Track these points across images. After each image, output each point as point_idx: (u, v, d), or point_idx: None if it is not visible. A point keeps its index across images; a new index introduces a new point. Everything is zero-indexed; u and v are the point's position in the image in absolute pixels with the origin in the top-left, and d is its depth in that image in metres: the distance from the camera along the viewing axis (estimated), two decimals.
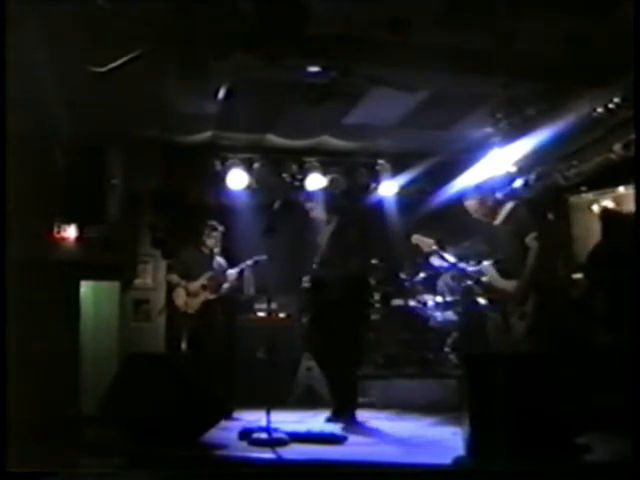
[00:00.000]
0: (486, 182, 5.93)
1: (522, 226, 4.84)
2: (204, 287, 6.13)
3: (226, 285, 6.18)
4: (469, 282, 5.94)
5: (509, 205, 5.00)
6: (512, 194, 6.30)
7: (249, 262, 6.14)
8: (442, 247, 5.40)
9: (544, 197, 7.07)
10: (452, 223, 6.53)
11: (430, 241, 5.33)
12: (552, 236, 5.71)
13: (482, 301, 5.34)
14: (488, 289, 5.07)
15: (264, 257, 6.07)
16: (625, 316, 4.58)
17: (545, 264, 4.81)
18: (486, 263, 5.05)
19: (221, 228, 6.38)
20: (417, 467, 3.65)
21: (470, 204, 5.11)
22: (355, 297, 5.33)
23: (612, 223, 5.51)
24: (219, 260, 6.36)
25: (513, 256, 4.84)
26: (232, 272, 6.18)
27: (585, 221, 6.75)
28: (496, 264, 4.98)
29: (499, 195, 5.37)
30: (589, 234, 6.50)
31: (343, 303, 5.18)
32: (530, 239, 4.75)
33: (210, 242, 6.30)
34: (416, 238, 5.41)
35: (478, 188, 5.32)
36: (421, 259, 7.61)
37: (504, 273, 4.91)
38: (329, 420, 5.11)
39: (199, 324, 6.05)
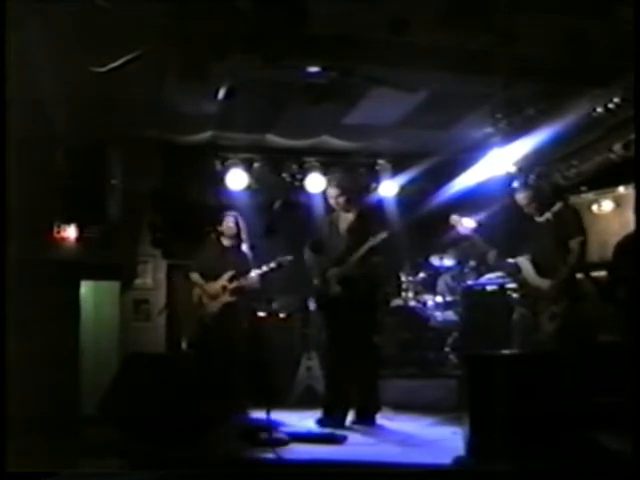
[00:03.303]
0: (537, 176, 5.94)
1: (568, 228, 4.87)
2: (224, 288, 5.82)
3: (247, 287, 5.82)
4: (503, 276, 5.94)
5: (558, 205, 5.02)
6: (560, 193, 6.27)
7: (272, 264, 5.77)
8: (480, 232, 5.34)
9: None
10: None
11: (470, 221, 5.29)
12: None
13: (514, 296, 5.31)
14: (523, 284, 5.06)
15: (288, 258, 5.73)
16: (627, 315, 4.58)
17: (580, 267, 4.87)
18: (522, 257, 5.04)
19: (238, 218, 6.02)
20: (417, 467, 3.65)
21: (521, 197, 5.11)
22: (373, 295, 5.28)
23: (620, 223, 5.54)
24: (245, 254, 5.97)
25: (552, 255, 4.85)
26: (253, 275, 5.80)
27: (586, 221, 6.73)
28: (533, 260, 4.98)
29: (551, 192, 5.39)
30: (589, 234, 6.49)
31: (364, 301, 5.13)
32: (574, 242, 4.79)
33: (227, 232, 5.95)
34: (455, 218, 5.34)
35: (531, 180, 5.34)
36: (421, 259, 7.67)
37: (539, 270, 4.91)
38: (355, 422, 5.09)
39: (212, 326, 5.83)
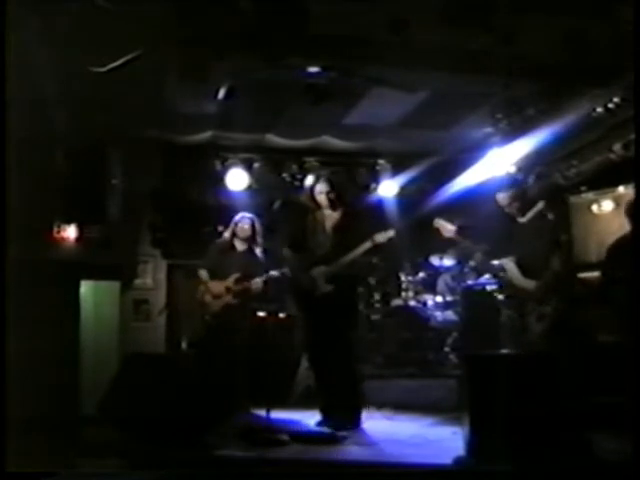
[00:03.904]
0: (520, 176, 5.94)
1: (552, 227, 4.86)
2: (227, 290, 5.83)
3: (251, 289, 5.83)
4: (490, 277, 5.91)
5: (540, 204, 5.01)
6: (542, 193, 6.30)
7: (276, 273, 5.74)
8: (464, 235, 5.33)
9: (544, 197, 7.08)
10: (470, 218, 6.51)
11: (452, 227, 5.26)
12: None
13: (500, 297, 5.30)
14: (508, 285, 5.06)
15: (285, 270, 5.65)
16: (626, 315, 4.58)
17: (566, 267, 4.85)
18: (507, 259, 5.03)
19: (255, 221, 5.99)
20: (417, 467, 3.65)
21: (502, 197, 5.09)
22: (352, 295, 5.16)
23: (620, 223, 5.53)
24: (257, 256, 5.96)
25: (536, 255, 4.84)
26: (258, 280, 5.81)
27: (586, 221, 6.75)
28: (518, 261, 4.97)
29: (532, 192, 5.38)
30: (590, 234, 6.50)
31: (354, 300, 5.07)
32: (558, 242, 4.78)
33: (241, 234, 5.93)
34: (438, 222, 5.29)
35: (513, 181, 5.33)
36: (421, 259, 7.67)
37: (525, 271, 4.90)
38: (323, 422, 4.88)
39: (213, 326, 5.85)
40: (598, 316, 5.29)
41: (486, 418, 3.52)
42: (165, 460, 3.68)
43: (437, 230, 5.33)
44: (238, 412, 5.33)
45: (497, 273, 5.19)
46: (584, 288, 5.87)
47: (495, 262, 5.17)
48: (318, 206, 5.14)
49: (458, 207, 6.91)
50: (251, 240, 5.97)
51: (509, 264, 4.99)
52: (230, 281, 5.84)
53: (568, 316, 4.87)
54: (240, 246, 6.00)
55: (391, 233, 4.88)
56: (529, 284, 4.83)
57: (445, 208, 6.99)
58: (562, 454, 3.43)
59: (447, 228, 5.25)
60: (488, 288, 6.68)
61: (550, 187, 7.16)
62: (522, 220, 5.01)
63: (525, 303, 4.85)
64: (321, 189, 5.10)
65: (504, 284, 5.12)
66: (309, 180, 5.25)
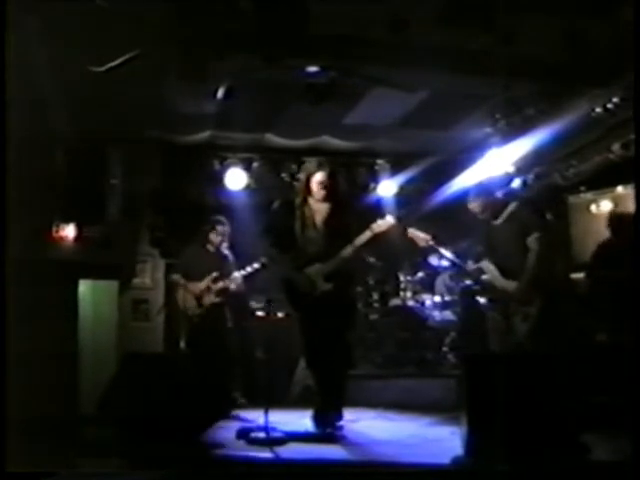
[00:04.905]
0: (488, 181, 5.97)
1: (524, 226, 4.89)
2: (207, 289, 5.95)
3: (231, 287, 5.96)
4: (468, 280, 5.94)
5: (512, 205, 5.05)
6: (512, 194, 6.35)
7: (256, 265, 5.83)
8: (439, 243, 5.35)
9: (543, 197, 7.09)
10: (450, 222, 6.56)
11: (426, 236, 5.28)
12: (552, 237, 5.69)
13: (482, 300, 5.32)
14: (488, 288, 5.07)
15: (264, 260, 5.74)
16: (626, 315, 4.59)
17: (546, 265, 4.84)
18: (486, 261, 5.06)
19: (226, 224, 6.18)
20: (417, 467, 3.65)
21: (473, 203, 5.13)
22: (350, 294, 5.04)
23: (618, 223, 5.57)
24: (227, 256, 6.14)
25: (513, 256, 4.86)
26: (237, 275, 5.93)
27: (584, 221, 6.76)
28: (496, 263, 4.99)
29: (502, 195, 5.40)
30: (588, 234, 6.51)
31: (352, 298, 5.04)
32: (531, 240, 4.80)
33: (215, 239, 6.11)
34: (412, 232, 5.29)
35: (481, 187, 5.36)
36: (420, 258, 7.66)
37: (504, 272, 4.92)
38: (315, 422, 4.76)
39: (201, 327, 5.94)
40: (592, 316, 5.31)
41: (484, 418, 3.53)
42: (165, 460, 3.68)
43: (412, 240, 5.34)
44: (236, 412, 5.35)
45: (479, 276, 5.19)
46: (580, 288, 5.90)
47: (475, 265, 5.20)
48: (309, 193, 4.85)
49: (438, 211, 6.97)
50: (222, 242, 6.16)
51: (488, 266, 5.02)
52: (208, 280, 5.95)
53: (554, 316, 4.89)
54: (210, 247, 6.15)
55: (390, 221, 4.70)
56: (510, 285, 4.85)
57: (445, 207, 7.02)
58: (560, 454, 3.44)
59: (421, 237, 5.26)
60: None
61: (549, 187, 7.17)
62: (496, 223, 5.04)
63: (509, 304, 4.87)
64: (320, 178, 4.81)
65: (485, 286, 5.14)
66: (309, 166, 5.12)
